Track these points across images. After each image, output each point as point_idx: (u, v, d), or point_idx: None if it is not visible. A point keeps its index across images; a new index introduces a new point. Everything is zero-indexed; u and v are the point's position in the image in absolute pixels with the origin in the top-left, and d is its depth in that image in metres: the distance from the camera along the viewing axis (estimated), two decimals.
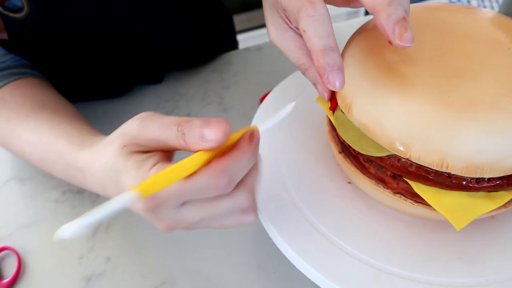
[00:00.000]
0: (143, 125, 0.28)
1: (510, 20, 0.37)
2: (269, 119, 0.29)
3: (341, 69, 0.30)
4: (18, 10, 0.43)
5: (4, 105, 0.43)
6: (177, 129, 0.27)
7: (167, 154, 0.30)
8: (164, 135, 0.27)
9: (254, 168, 0.29)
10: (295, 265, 0.36)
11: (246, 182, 0.28)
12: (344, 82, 0.30)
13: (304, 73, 0.37)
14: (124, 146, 0.29)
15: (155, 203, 0.27)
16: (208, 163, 0.27)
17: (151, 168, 0.27)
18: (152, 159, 0.28)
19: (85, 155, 0.34)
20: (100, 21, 0.49)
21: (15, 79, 0.45)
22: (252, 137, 0.27)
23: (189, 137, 0.27)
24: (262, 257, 0.42)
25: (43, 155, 0.40)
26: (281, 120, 0.30)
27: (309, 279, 0.35)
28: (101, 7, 0.48)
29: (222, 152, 0.27)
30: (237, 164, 0.26)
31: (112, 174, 0.30)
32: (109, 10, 0.48)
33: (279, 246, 0.37)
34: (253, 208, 0.29)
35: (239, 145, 0.27)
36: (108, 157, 0.30)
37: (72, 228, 0.21)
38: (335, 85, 0.30)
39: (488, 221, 0.38)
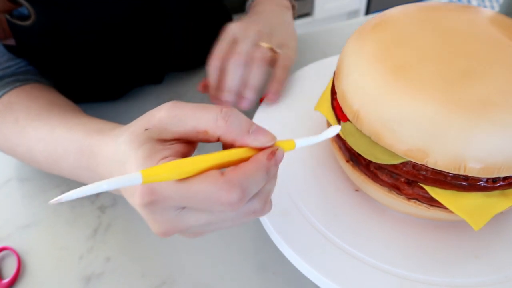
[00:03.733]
0: (174, 105, 0.26)
1: (510, 20, 0.37)
2: (310, 138, 0.28)
3: None
4: (25, 18, 0.44)
5: (11, 108, 0.43)
6: (221, 110, 0.25)
7: (187, 147, 0.27)
8: (200, 113, 0.25)
9: (273, 178, 0.27)
10: (295, 265, 0.36)
11: (260, 191, 0.26)
12: None
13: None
14: (146, 129, 0.26)
15: (154, 199, 0.24)
16: (221, 167, 0.25)
17: (161, 159, 0.25)
18: (167, 151, 0.26)
19: (105, 137, 0.31)
20: (103, 28, 0.50)
21: (21, 85, 0.46)
22: (273, 155, 0.25)
23: (234, 121, 0.25)
24: (262, 257, 0.42)
25: (53, 149, 0.38)
26: (321, 141, 0.29)
27: (309, 279, 0.35)
28: (105, 15, 0.48)
29: (238, 162, 0.25)
30: (250, 179, 0.24)
31: (121, 157, 0.27)
32: (112, 18, 0.49)
33: (279, 246, 0.37)
34: (264, 207, 0.27)
35: (255, 159, 0.25)
36: (123, 138, 0.27)
37: (69, 196, 0.22)
38: None
39: (498, 216, 0.38)
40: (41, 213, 0.47)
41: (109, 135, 0.31)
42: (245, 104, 0.46)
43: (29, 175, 0.50)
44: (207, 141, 0.26)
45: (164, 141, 0.26)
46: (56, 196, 0.48)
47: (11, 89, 0.45)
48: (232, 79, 0.45)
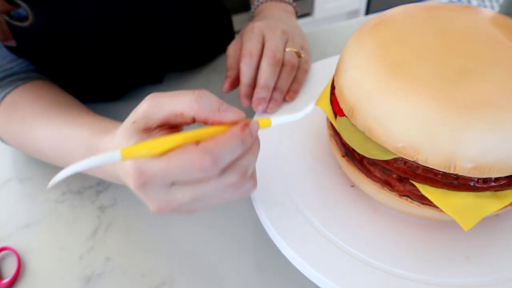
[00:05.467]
0: (154, 96, 0.29)
1: (510, 20, 0.37)
2: (286, 116, 0.30)
3: None
4: (23, 19, 0.44)
5: (16, 107, 0.44)
6: (193, 92, 0.28)
7: (173, 132, 0.30)
8: (176, 98, 0.28)
9: (248, 153, 0.29)
10: (295, 265, 0.36)
11: (235, 163, 0.28)
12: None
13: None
14: (134, 122, 0.29)
15: (144, 180, 0.27)
16: (197, 142, 0.27)
17: None
18: (153, 136, 0.28)
19: (106, 139, 0.34)
20: (103, 28, 0.50)
21: (23, 83, 0.46)
22: (246, 126, 0.28)
23: (205, 101, 0.27)
24: (262, 257, 0.42)
25: (61, 147, 0.40)
26: (298, 120, 0.31)
27: (309, 279, 0.35)
28: (105, 15, 0.48)
29: (213, 136, 0.27)
30: (222, 147, 0.26)
31: None
32: (112, 18, 0.49)
33: (279, 246, 0.37)
34: (243, 181, 0.29)
35: (229, 131, 0.27)
36: (118, 134, 0.30)
37: (60, 177, 0.25)
38: None
39: (493, 219, 0.38)
40: (41, 213, 0.47)
41: (110, 133, 0.34)
42: (274, 105, 0.47)
43: (29, 175, 0.50)
44: (185, 123, 0.29)
45: (150, 130, 0.29)
46: (56, 196, 0.49)
47: (14, 88, 0.46)
48: (267, 78, 0.47)
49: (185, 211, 0.30)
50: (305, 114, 0.32)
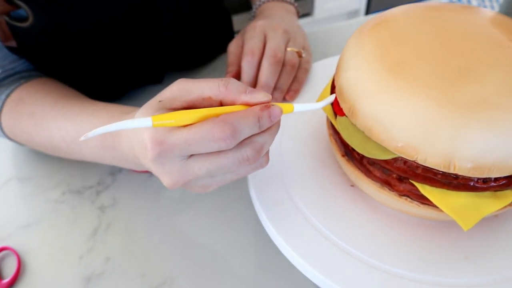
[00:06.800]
0: (182, 81, 0.30)
1: (510, 20, 0.37)
2: (308, 104, 0.33)
3: None
4: (24, 19, 0.44)
5: (24, 103, 0.45)
6: (220, 79, 0.29)
7: None
8: (204, 83, 0.29)
9: (266, 132, 0.30)
10: (295, 265, 0.36)
11: (252, 139, 0.29)
12: None
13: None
14: (160, 101, 0.30)
15: (162, 149, 0.28)
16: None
17: None
18: None
19: (127, 115, 0.36)
20: (103, 28, 0.50)
21: (26, 81, 0.47)
22: (267, 107, 0.29)
23: (232, 86, 0.29)
24: (262, 256, 0.42)
25: (76, 135, 0.41)
26: (318, 108, 0.34)
27: (309, 279, 0.35)
28: (105, 15, 0.49)
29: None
30: (241, 120, 0.28)
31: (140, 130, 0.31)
32: (112, 18, 0.49)
33: (279, 246, 0.37)
34: (258, 157, 0.30)
35: (250, 108, 0.29)
36: (139, 111, 0.31)
37: (94, 132, 0.26)
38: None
39: (492, 219, 0.38)
40: (41, 213, 0.47)
41: (130, 114, 0.36)
42: None
43: (29, 175, 0.50)
44: (211, 106, 0.30)
45: (174, 110, 0.30)
46: (56, 196, 0.49)
47: (18, 86, 0.46)
48: (267, 77, 0.47)
49: (199, 186, 0.31)
50: (326, 103, 0.35)
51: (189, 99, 0.29)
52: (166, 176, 0.30)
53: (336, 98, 0.37)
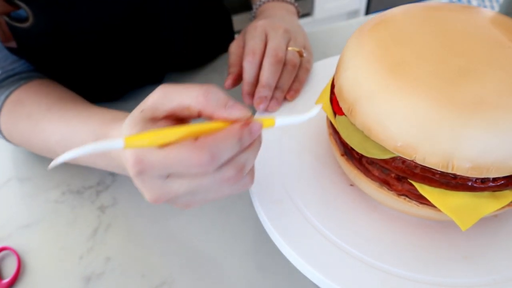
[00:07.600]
0: (164, 87, 0.29)
1: (510, 20, 0.37)
2: (291, 117, 0.30)
3: None
4: (24, 20, 0.44)
5: (22, 104, 0.45)
6: (202, 87, 0.28)
7: (179, 124, 0.30)
8: (185, 91, 0.28)
9: (247, 149, 0.29)
10: (295, 265, 0.36)
11: (234, 159, 0.28)
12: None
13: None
14: (142, 110, 0.29)
15: (141, 168, 0.27)
16: (197, 137, 0.27)
17: None
18: (158, 126, 0.29)
19: (117, 123, 0.35)
20: (103, 28, 0.50)
21: (25, 82, 0.47)
22: (247, 125, 0.27)
23: (212, 96, 0.28)
24: (262, 257, 0.42)
25: (70, 139, 0.41)
26: (303, 121, 0.30)
27: (309, 279, 0.35)
28: (105, 15, 0.49)
29: (214, 132, 0.27)
30: (220, 144, 0.26)
31: None
32: (112, 18, 0.49)
33: (278, 245, 0.37)
34: (240, 176, 0.29)
35: (228, 128, 0.27)
36: (125, 122, 0.30)
37: (62, 158, 0.25)
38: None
39: (492, 219, 0.38)
40: (41, 213, 0.47)
41: (120, 121, 0.35)
42: (275, 104, 0.48)
43: (29, 175, 0.50)
44: (192, 116, 0.29)
45: (156, 120, 0.29)
46: (56, 196, 0.49)
47: (17, 87, 0.46)
48: (269, 77, 0.47)
49: (181, 203, 0.30)
50: (309, 117, 0.30)
51: (170, 108, 0.28)
52: (147, 192, 0.29)
53: (335, 97, 0.37)
